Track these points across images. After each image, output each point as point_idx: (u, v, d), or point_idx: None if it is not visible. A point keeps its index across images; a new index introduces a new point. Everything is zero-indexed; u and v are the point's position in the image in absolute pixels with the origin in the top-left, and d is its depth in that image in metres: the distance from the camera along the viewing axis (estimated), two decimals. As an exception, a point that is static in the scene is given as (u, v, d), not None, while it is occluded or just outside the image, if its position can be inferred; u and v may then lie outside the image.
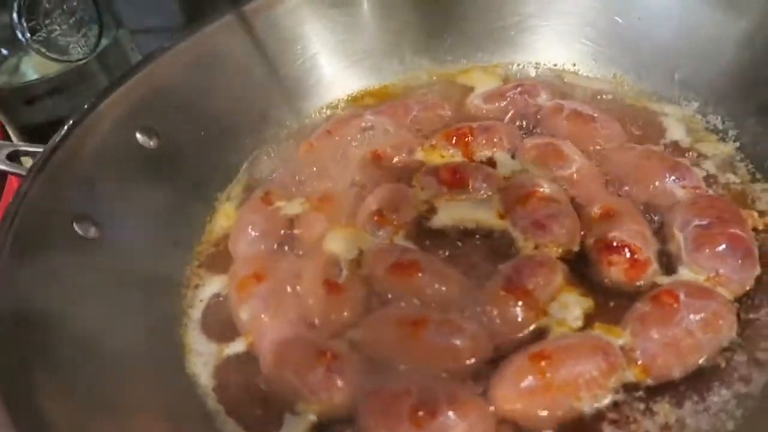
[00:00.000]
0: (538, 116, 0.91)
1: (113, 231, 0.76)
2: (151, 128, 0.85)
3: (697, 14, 0.85)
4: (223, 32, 0.92)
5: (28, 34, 0.91)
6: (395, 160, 0.89)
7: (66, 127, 0.78)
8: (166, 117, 0.87)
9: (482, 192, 0.81)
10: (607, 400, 0.58)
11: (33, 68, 1.02)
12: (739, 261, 0.65)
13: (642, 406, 0.58)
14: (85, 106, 0.81)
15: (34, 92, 1.01)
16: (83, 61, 0.98)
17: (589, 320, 0.66)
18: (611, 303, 0.67)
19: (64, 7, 0.94)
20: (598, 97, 0.94)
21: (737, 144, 0.81)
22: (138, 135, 0.84)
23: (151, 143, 0.86)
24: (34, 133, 1.05)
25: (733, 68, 0.82)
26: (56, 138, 0.76)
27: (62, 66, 0.98)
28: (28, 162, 0.88)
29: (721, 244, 0.66)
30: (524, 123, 0.92)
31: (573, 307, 0.68)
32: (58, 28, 0.93)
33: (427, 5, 0.99)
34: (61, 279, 0.68)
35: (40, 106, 1.03)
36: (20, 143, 0.95)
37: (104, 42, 1.02)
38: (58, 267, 0.69)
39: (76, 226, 0.73)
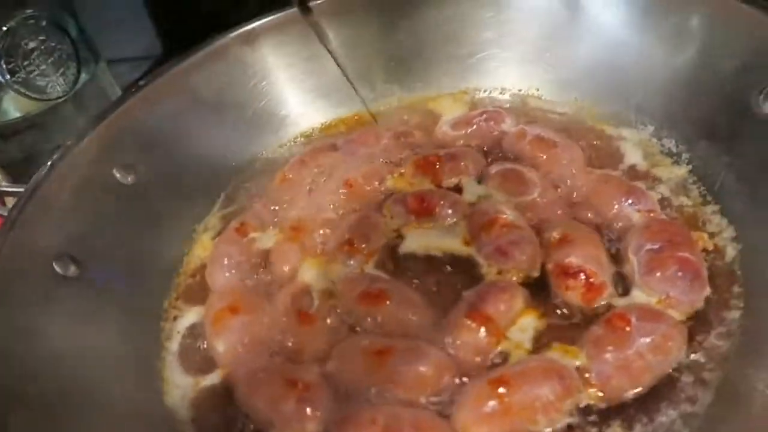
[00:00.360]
0: (503, 141, 0.95)
1: (92, 268, 0.79)
2: (129, 165, 0.88)
3: (649, 43, 0.89)
4: (195, 69, 0.95)
5: (8, 76, 0.94)
6: (367, 188, 0.92)
7: (46, 167, 0.80)
8: (143, 153, 0.90)
9: (449, 219, 0.85)
10: (562, 424, 0.61)
11: (13, 106, 1.05)
12: (689, 283, 0.68)
13: (595, 429, 0.61)
14: (65, 145, 0.83)
15: (13, 128, 1.04)
16: (62, 99, 1.01)
17: (547, 342, 0.69)
18: (568, 326, 0.70)
19: (43, 47, 0.97)
20: (561, 121, 0.97)
21: (690, 167, 0.85)
22: (116, 172, 0.87)
23: (129, 179, 0.88)
24: (12, 168, 1.08)
25: (683, 94, 0.86)
26: (36, 178, 0.79)
27: (42, 103, 1.01)
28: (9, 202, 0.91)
29: (671, 268, 0.69)
30: (490, 148, 0.95)
31: (531, 330, 0.71)
32: (36, 68, 0.96)
33: (392, 35, 1.03)
34: (41, 317, 0.71)
35: (18, 141, 1.06)
36: (1, 184, 0.97)
37: (83, 77, 1.05)
38: (37, 306, 0.71)
39: (55, 265, 0.75)
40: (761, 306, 0.67)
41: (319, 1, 0.98)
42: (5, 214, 0.79)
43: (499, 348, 0.69)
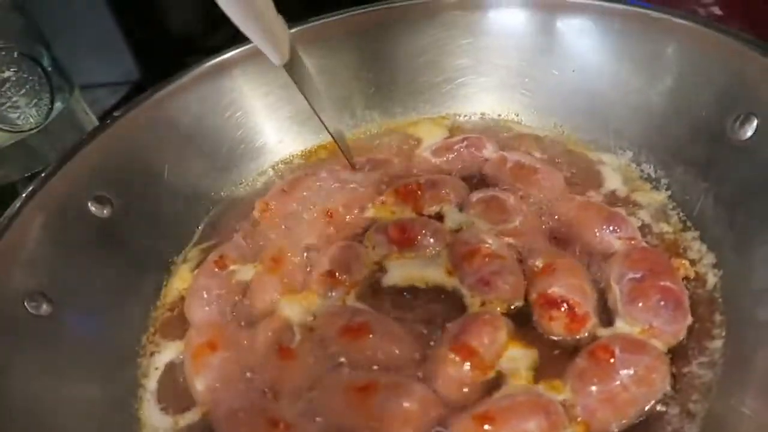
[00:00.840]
0: (485, 168, 0.95)
1: (66, 305, 0.76)
2: (104, 197, 0.86)
3: (626, 69, 0.90)
4: (170, 99, 0.94)
5: (-21, 108, 0.92)
6: (347, 218, 0.91)
7: (18, 201, 0.78)
8: (118, 185, 0.88)
9: (431, 248, 0.84)
10: (548, 460, 0.60)
11: (-16, 137, 1.02)
12: (671, 313, 0.68)
13: (581, 464, 0.60)
14: (38, 178, 0.81)
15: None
16: (35, 130, 0.99)
17: (535, 373, 0.68)
18: (554, 355, 0.70)
19: (14, 79, 0.95)
20: (541, 146, 0.98)
21: (669, 192, 0.85)
22: (90, 205, 0.85)
23: (105, 212, 0.87)
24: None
25: (660, 120, 0.86)
26: (8, 213, 0.76)
27: (14, 135, 0.99)
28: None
29: (653, 297, 0.69)
30: (471, 175, 0.95)
31: (520, 359, 0.70)
32: (8, 101, 0.94)
33: (371, 62, 1.03)
34: (11, 357, 0.69)
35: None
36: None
37: (57, 107, 1.03)
38: (7, 346, 0.69)
39: (27, 305, 0.73)
40: (743, 334, 0.66)
41: (295, 30, 0.98)
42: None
43: (484, 381, 0.68)
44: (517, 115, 1.02)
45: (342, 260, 0.83)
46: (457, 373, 0.68)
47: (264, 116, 1.03)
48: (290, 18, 1.02)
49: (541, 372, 0.68)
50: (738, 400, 0.61)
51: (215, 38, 1.77)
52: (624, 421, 0.62)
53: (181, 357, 0.79)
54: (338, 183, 0.97)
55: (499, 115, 1.04)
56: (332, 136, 0.90)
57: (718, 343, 0.67)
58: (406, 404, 0.66)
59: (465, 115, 1.06)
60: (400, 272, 0.82)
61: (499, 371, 0.69)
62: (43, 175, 0.82)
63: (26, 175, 1.02)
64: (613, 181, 0.89)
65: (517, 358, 0.70)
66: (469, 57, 0.98)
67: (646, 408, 0.63)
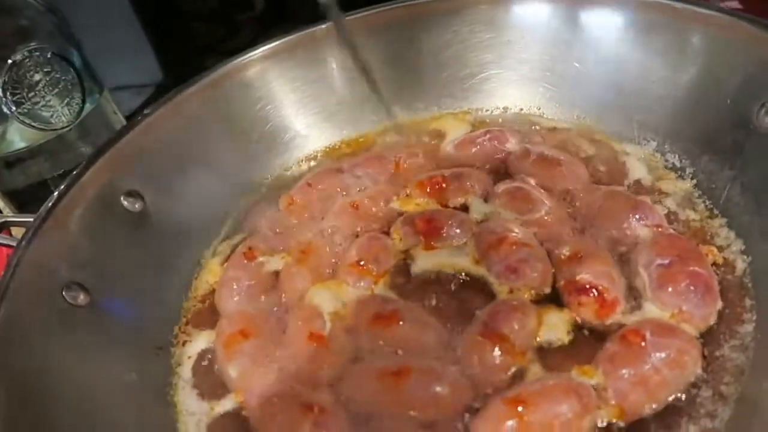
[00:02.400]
0: (508, 161, 0.96)
1: (102, 296, 0.78)
2: (136, 192, 0.88)
3: (649, 59, 0.90)
4: (197, 96, 0.96)
5: (14, 108, 0.95)
6: (373, 210, 0.92)
7: (53, 197, 0.81)
8: (149, 181, 0.90)
9: (457, 238, 0.85)
10: (582, 442, 0.61)
11: (19, 136, 1.05)
12: (701, 297, 0.69)
13: (615, 447, 0.61)
14: (72, 174, 0.84)
15: (17, 158, 1.04)
16: (67, 129, 1.02)
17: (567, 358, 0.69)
18: (585, 341, 0.70)
19: (48, 79, 0.97)
20: (564, 139, 0.98)
21: (694, 181, 0.85)
22: (123, 200, 0.87)
23: (137, 206, 0.89)
24: (16, 197, 1.08)
25: (684, 110, 0.87)
26: (44, 209, 0.79)
27: (47, 133, 1.02)
28: (16, 231, 0.91)
29: (682, 282, 0.69)
30: (495, 167, 0.96)
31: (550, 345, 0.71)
32: (42, 100, 0.97)
33: (393, 59, 1.04)
34: (53, 348, 0.71)
35: (23, 171, 1.06)
36: (9, 214, 0.97)
37: (87, 107, 1.06)
38: (48, 337, 0.71)
39: (65, 295, 0.75)
40: (774, 318, 0.67)
41: (321, 27, 1.00)
42: (13, 244, 0.79)
43: (515, 366, 0.69)
44: (539, 109, 1.03)
45: (370, 251, 0.84)
46: (488, 358, 0.69)
47: (291, 112, 1.04)
48: (307, 19, 1.05)
49: (572, 357, 0.69)
50: (770, 382, 0.62)
51: (235, 42, 1.80)
52: (656, 404, 0.63)
53: (213, 346, 0.80)
54: (363, 177, 0.98)
55: (521, 109, 1.05)
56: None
57: (748, 327, 0.68)
58: (437, 388, 0.67)
59: (487, 110, 1.06)
60: (428, 262, 0.83)
61: (531, 357, 0.70)
62: (77, 171, 0.84)
63: (58, 172, 1.05)
64: (638, 171, 0.89)
65: (549, 344, 0.71)
66: (492, 52, 0.99)
67: (679, 391, 0.63)
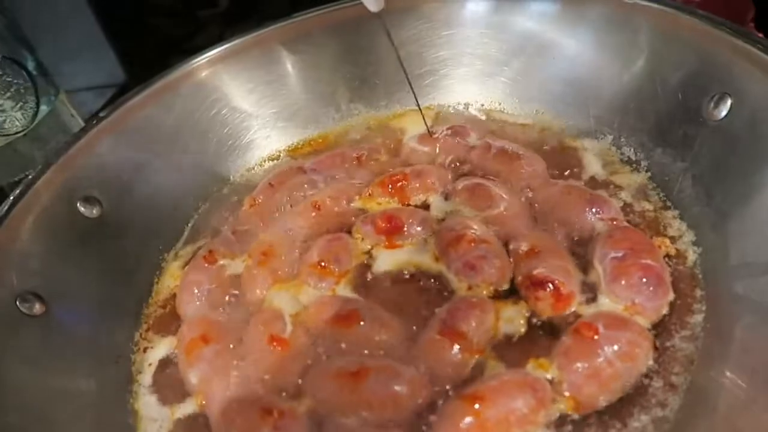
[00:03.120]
0: (470, 156, 0.96)
1: (59, 304, 0.78)
2: (93, 197, 0.88)
3: (603, 55, 0.92)
4: (156, 98, 0.96)
5: (-37, 113, 0.93)
6: (335, 210, 0.92)
7: (7, 203, 0.79)
8: (106, 185, 0.89)
9: (418, 236, 0.85)
10: (537, 436, 0.62)
11: (-30, 142, 1.03)
12: (653, 289, 0.70)
13: (570, 439, 0.62)
14: (26, 180, 0.82)
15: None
16: (22, 134, 1.00)
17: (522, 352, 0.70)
18: (540, 335, 0.71)
19: (-1, 83, 0.96)
20: (524, 133, 0.99)
21: (649, 174, 0.87)
22: (80, 205, 0.86)
23: (94, 212, 0.88)
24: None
25: (637, 104, 0.88)
26: (-3, 214, 0.78)
27: (0, 139, 1.00)
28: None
29: (635, 275, 0.71)
30: (457, 163, 0.96)
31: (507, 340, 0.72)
32: (-7, 105, 0.95)
33: (354, 57, 1.04)
34: (6, 358, 0.70)
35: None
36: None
37: (42, 110, 1.04)
38: (1, 348, 0.70)
39: (20, 306, 0.74)
40: (722, 308, 0.68)
41: (279, 26, 1.00)
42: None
43: (473, 362, 0.70)
44: (500, 104, 1.04)
45: (331, 251, 0.84)
46: (447, 356, 0.69)
47: (250, 113, 1.04)
48: (274, 15, 1.04)
49: (528, 350, 0.70)
50: (718, 371, 0.63)
51: (198, 40, 1.78)
52: (610, 396, 0.64)
53: (175, 352, 0.80)
54: (324, 176, 0.98)
55: (482, 105, 1.06)
56: (416, 98, 0.90)
57: (698, 318, 0.69)
58: (396, 387, 0.67)
59: (449, 106, 1.07)
60: (389, 260, 0.83)
61: (487, 352, 0.71)
62: (30, 176, 0.83)
63: (14, 179, 1.03)
64: (595, 165, 0.91)
65: (504, 338, 0.72)
66: (449, 48, 0.99)
67: (631, 382, 0.65)
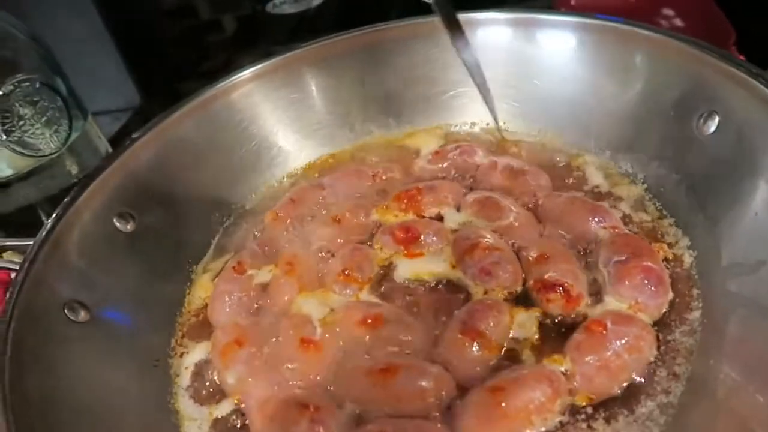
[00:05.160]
0: (477, 173, 1.03)
1: (101, 312, 0.83)
2: (127, 213, 0.93)
3: (601, 77, 0.99)
4: (183, 120, 1.02)
5: (4, 136, 0.99)
6: (354, 222, 0.99)
7: (50, 221, 0.85)
8: (139, 202, 0.95)
9: (434, 246, 0.92)
10: (554, 423, 0.68)
11: (6, 163, 1.08)
12: (654, 289, 0.77)
13: (584, 425, 0.68)
14: (66, 199, 0.88)
15: (6, 184, 1.07)
16: (55, 155, 1.06)
17: (538, 349, 0.76)
18: (553, 334, 0.78)
19: (36, 108, 1.01)
20: (528, 150, 1.07)
21: (645, 186, 0.94)
22: (115, 221, 0.92)
23: (128, 227, 0.93)
24: (5, 222, 1.11)
25: (634, 122, 0.96)
26: (42, 233, 0.83)
27: (35, 159, 1.05)
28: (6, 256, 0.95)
29: (637, 276, 0.77)
30: (466, 179, 1.03)
31: (524, 339, 0.78)
32: (31, 128, 1.01)
33: (369, 80, 1.11)
34: (56, 363, 0.75)
35: (11, 196, 1.09)
36: (6, 239, 1.00)
37: (74, 134, 1.10)
38: (53, 350, 0.75)
39: (67, 312, 0.79)
40: (717, 305, 0.75)
41: (299, 51, 1.07)
42: (13, 267, 0.83)
43: (493, 359, 0.76)
44: (504, 123, 1.11)
45: (354, 260, 0.90)
46: (467, 353, 0.75)
47: (274, 131, 1.10)
48: (277, 41, 1.11)
49: (542, 350, 0.76)
50: (716, 360, 0.70)
51: (208, 64, 1.85)
52: (619, 385, 0.70)
53: (210, 356, 0.85)
54: (343, 191, 1.05)
55: (488, 124, 1.13)
56: (487, 102, 0.94)
57: (696, 314, 0.76)
58: (423, 383, 0.73)
59: (456, 125, 1.15)
60: (408, 269, 0.89)
61: (506, 350, 0.77)
62: (71, 195, 0.88)
63: (45, 196, 1.09)
64: (596, 178, 0.98)
65: (521, 338, 0.78)
66: (459, 71, 1.06)
67: (638, 372, 0.71)
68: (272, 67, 1.06)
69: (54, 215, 0.86)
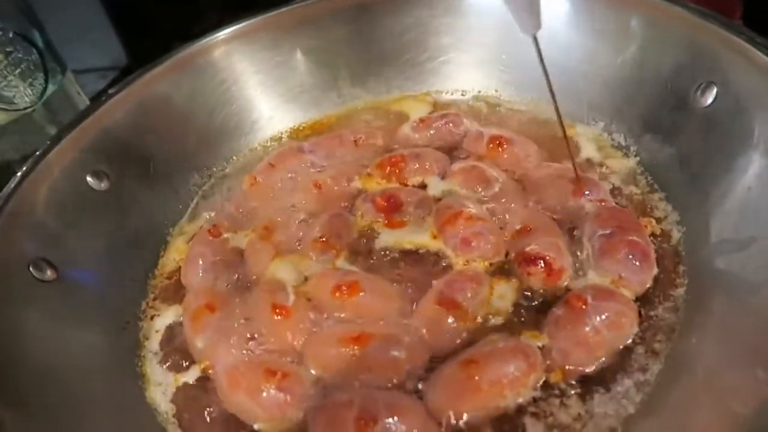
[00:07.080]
0: (464, 142, 1.00)
1: (69, 272, 0.80)
2: (101, 171, 0.90)
3: (595, 44, 0.95)
4: (163, 77, 0.98)
5: (-25, 87, 0.95)
6: (335, 189, 0.96)
7: (18, 175, 0.82)
8: (114, 159, 0.92)
9: (416, 215, 0.89)
10: (527, 398, 0.66)
11: (-20, 117, 1.05)
12: (638, 264, 0.74)
13: (557, 401, 0.66)
14: (36, 153, 0.85)
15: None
16: (30, 109, 1.02)
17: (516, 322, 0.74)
18: (534, 307, 0.75)
19: (10, 59, 0.97)
20: (519, 119, 1.03)
21: (638, 158, 0.91)
22: (89, 178, 0.89)
23: (102, 185, 0.90)
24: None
25: (628, 92, 0.92)
26: (9, 186, 0.80)
27: (9, 114, 1.02)
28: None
29: (622, 251, 0.75)
30: (451, 148, 1.00)
31: (502, 311, 0.75)
32: (3, 79, 0.97)
33: (356, 43, 1.07)
34: (20, 323, 0.72)
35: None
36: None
37: (50, 87, 1.06)
38: (17, 309, 0.73)
39: (32, 270, 0.77)
40: (702, 282, 0.73)
41: (283, 11, 1.03)
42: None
43: (468, 331, 0.73)
44: (497, 91, 1.07)
45: (333, 227, 0.88)
46: (443, 324, 0.73)
47: (256, 94, 1.06)
48: (277, 2, 1.07)
49: (522, 323, 0.74)
50: (698, 339, 0.67)
51: (200, 25, 1.80)
52: (596, 362, 0.68)
53: (180, 320, 0.83)
54: (324, 157, 1.01)
55: (479, 91, 1.09)
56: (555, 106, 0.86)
57: (680, 291, 0.74)
58: (395, 353, 0.71)
59: (447, 92, 1.11)
60: (389, 237, 0.87)
61: (482, 322, 0.74)
62: (42, 150, 0.85)
63: (22, 155, 1.05)
64: (588, 149, 0.95)
65: (500, 311, 0.75)
66: (449, 36, 1.03)
67: (616, 350, 0.69)
68: (254, 27, 1.02)
69: (23, 168, 0.83)
